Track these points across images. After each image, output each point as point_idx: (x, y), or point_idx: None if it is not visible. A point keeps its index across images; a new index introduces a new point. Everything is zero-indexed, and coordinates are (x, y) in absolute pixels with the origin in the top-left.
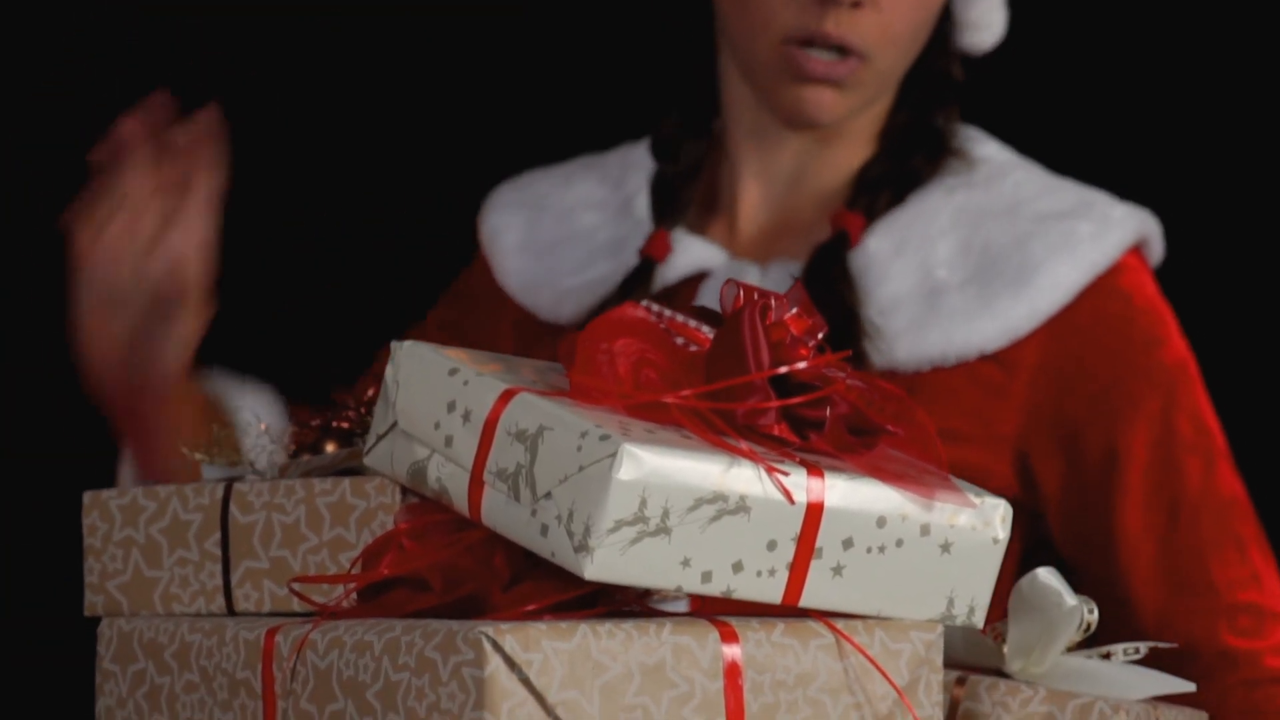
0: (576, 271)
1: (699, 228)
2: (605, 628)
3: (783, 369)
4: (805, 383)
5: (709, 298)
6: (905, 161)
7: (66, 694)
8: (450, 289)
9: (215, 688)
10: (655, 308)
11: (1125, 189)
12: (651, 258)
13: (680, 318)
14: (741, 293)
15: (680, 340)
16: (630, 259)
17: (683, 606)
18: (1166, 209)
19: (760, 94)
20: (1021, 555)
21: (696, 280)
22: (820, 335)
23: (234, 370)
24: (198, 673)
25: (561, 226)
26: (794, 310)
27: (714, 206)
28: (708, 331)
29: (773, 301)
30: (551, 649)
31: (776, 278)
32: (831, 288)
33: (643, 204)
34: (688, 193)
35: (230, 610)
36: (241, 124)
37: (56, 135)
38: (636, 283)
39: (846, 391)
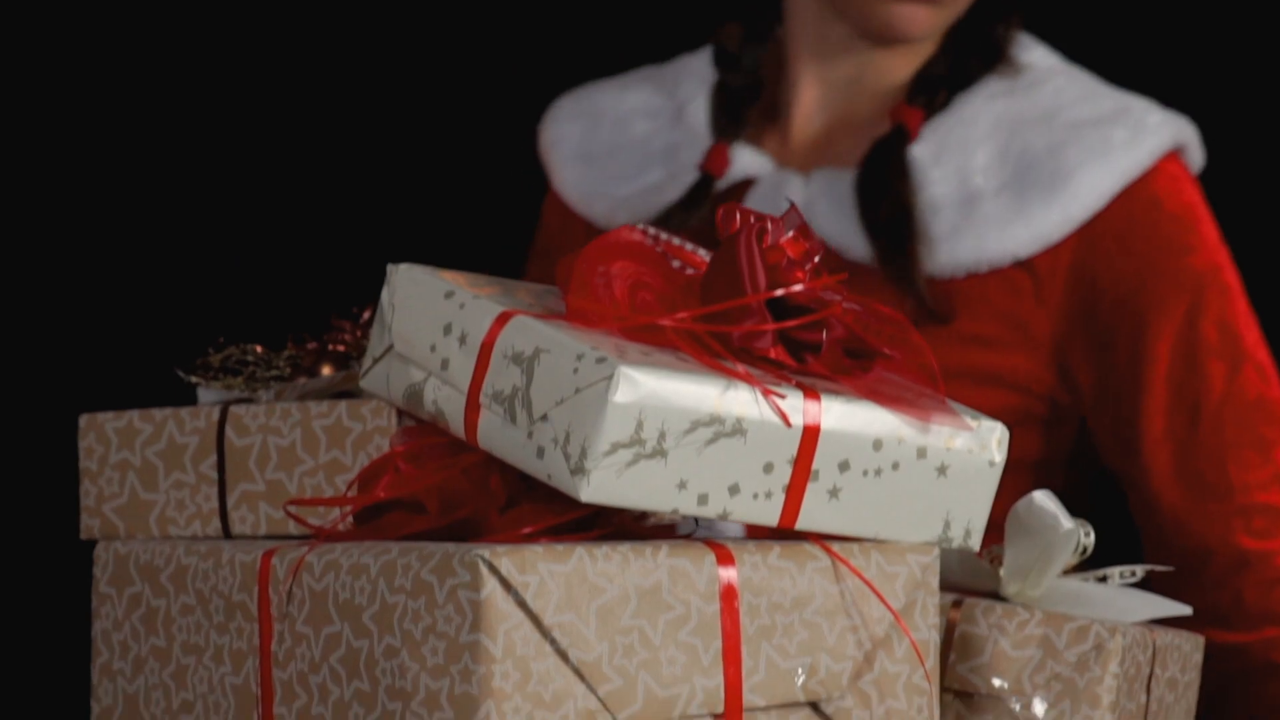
0: (630, 178)
1: (753, 137)
2: (602, 550)
3: (779, 292)
4: (801, 306)
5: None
6: (962, 64)
7: (63, 617)
8: (535, 241)
9: (211, 610)
10: (652, 231)
11: (1184, 98)
12: (710, 173)
13: (677, 241)
14: (739, 216)
15: (677, 263)
16: (682, 167)
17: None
18: (1230, 117)
19: (842, 6)
20: (1059, 462)
21: (743, 188)
22: (816, 259)
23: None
24: (194, 595)
25: (616, 134)
26: (790, 234)
27: (769, 115)
28: (704, 255)
29: (769, 225)
30: (548, 571)
31: (819, 187)
32: (887, 184)
33: (696, 111)
34: (748, 106)
35: (226, 533)
36: (262, 34)
37: None
38: (696, 199)
39: (843, 315)
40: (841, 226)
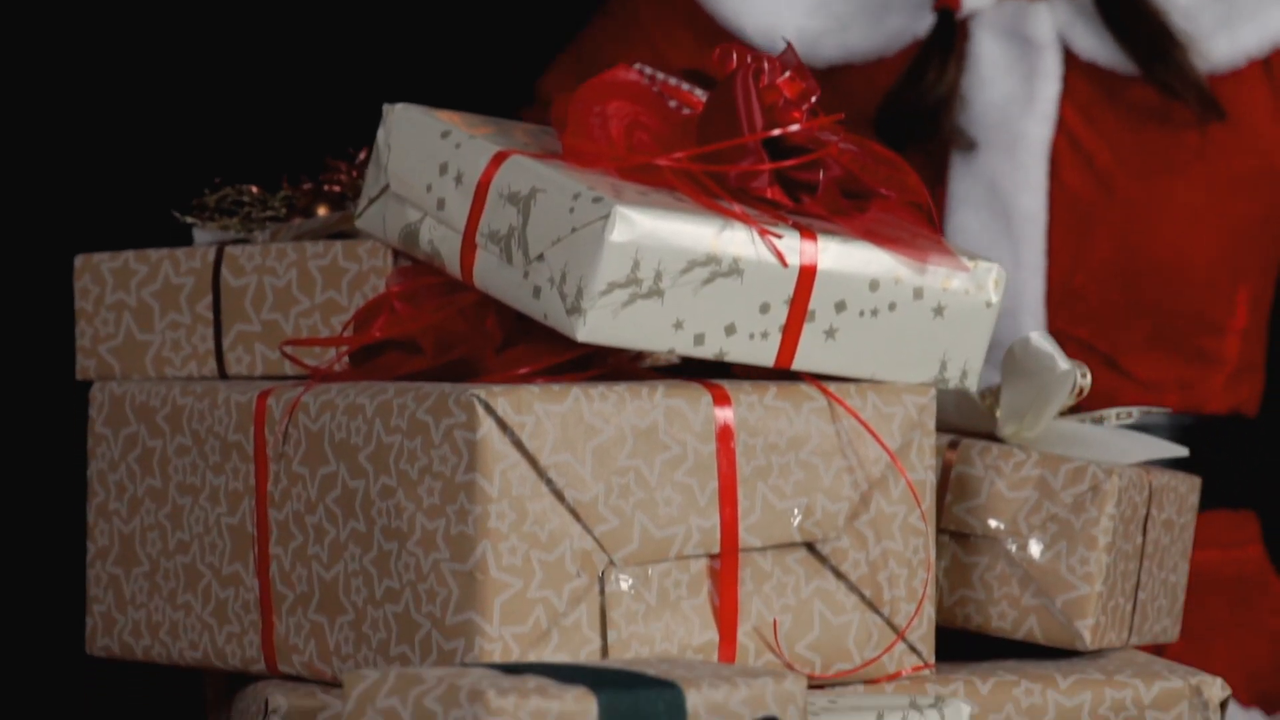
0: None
1: None
2: (598, 390)
3: (776, 131)
4: (798, 146)
5: (986, 35)
6: None
7: (59, 458)
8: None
9: (207, 451)
10: (648, 70)
11: None
12: (949, 8)
13: (673, 80)
14: (735, 55)
15: (673, 103)
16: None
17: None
18: None
19: None
20: None
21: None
22: (813, 99)
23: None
24: (190, 436)
25: None
26: (787, 74)
27: None
28: (700, 94)
29: (766, 64)
30: (544, 411)
31: (1070, 9)
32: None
33: None
34: None
35: (222, 374)
36: None
37: None
38: (940, 39)
39: (839, 155)
40: (1105, 45)
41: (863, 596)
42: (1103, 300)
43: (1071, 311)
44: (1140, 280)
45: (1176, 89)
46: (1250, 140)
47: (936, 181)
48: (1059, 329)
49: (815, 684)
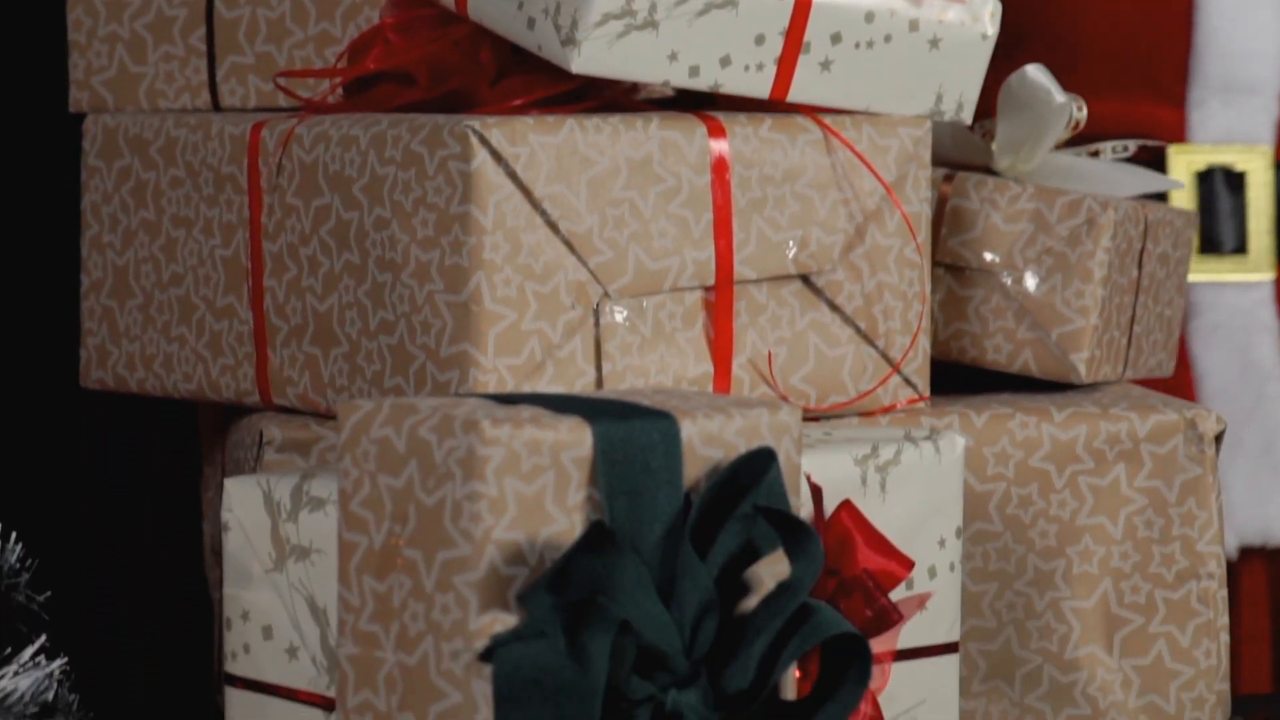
0: None
1: None
2: (592, 122)
3: None
4: None
5: None
6: None
7: (53, 191)
8: None
9: (201, 183)
10: None
11: None
12: None
13: None
14: None
15: None
16: None
17: None
18: None
19: None
20: None
21: None
22: None
23: None
24: (183, 168)
25: None
26: None
27: None
28: None
29: None
30: (538, 143)
31: None
32: None
33: None
34: None
35: (216, 106)
36: None
37: None
38: None
39: None
40: None
41: (858, 329)
42: None
43: None
44: None
45: None
46: None
47: None
48: None
49: (810, 416)
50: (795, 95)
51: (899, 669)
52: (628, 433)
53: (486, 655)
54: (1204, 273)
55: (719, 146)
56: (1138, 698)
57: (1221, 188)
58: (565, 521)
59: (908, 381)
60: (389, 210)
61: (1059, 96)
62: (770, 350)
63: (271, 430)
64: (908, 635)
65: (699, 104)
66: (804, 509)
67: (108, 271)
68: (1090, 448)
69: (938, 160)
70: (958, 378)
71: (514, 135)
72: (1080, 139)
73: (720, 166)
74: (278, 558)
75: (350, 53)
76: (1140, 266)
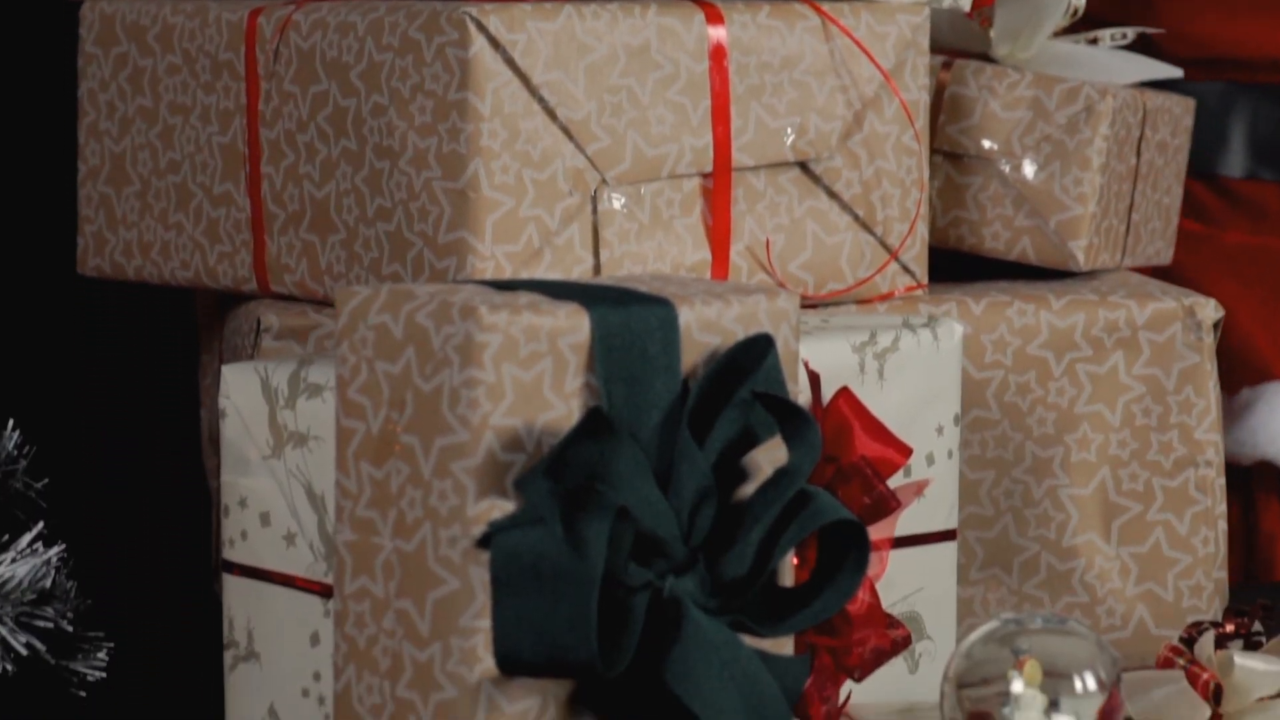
0: None
1: None
2: (590, 9)
3: None
4: None
5: None
6: None
7: (49, 79)
8: None
9: (198, 70)
10: None
11: None
12: None
13: None
14: None
15: None
16: None
17: None
18: None
19: None
20: None
21: None
22: None
23: None
24: (180, 55)
25: None
26: None
27: None
28: None
29: None
30: (536, 30)
31: None
32: None
33: None
34: None
35: None
36: None
37: None
38: None
39: None
40: None
41: (856, 216)
42: None
43: None
44: None
45: None
46: None
47: None
48: None
49: (808, 303)
50: None
51: (897, 556)
52: (625, 319)
53: (484, 542)
54: None
55: (717, 33)
56: (1135, 585)
57: None
58: (563, 408)
59: (906, 269)
60: (386, 97)
61: None
62: (768, 237)
63: (269, 317)
64: (905, 522)
65: None
66: (802, 396)
67: (105, 159)
68: (1088, 335)
69: (936, 47)
70: (956, 265)
71: (512, 22)
72: (1079, 26)
73: (718, 53)
74: (275, 444)
75: None
76: (1139, 154)
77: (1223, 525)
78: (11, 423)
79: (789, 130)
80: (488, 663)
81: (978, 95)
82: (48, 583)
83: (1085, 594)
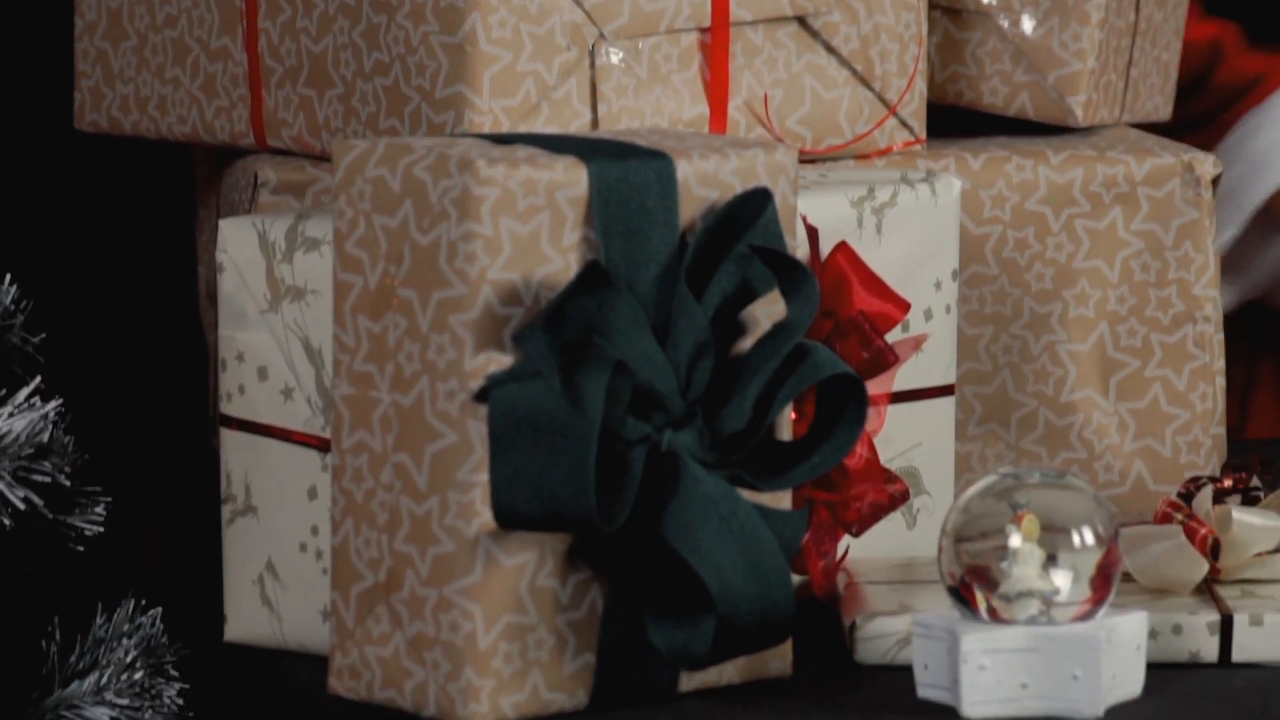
0: None
1: None
2: None
3: None
4: None
5: None
6: None
7: None
8: None
9: None
10: None
11: None
12: None
13: None
14: None
15: None
16: None
17: None
18: None
19: None
20: None
21: None
22: None
23: None
24: None
25: None
26: None
27: None
28: None
29: None
30: None
31: None
32: None
33: None
34: None
35: None
36: None
37: None
38: None
39: None
40: None
41: (854, 71)
42: None
43: None
44: None
45: None
46: None
47: None
48: None
49: (806, 158)
50: None
51: (895, 411)
52: (623, 172)
53: (482, 395)
54: None
55: None
56: (1133, 441)
57: None
58: (561, 261)
59: (904, 124)
60: None
61: None
62: (766, 92)
63: (266, 172)
64: (904, 377)
65: None
66: (800, 250)
67: (101, 13)
68: (1087, 191)
69: None
70: (954, 120)
71: None
72: None
73: None
74: (273, 298)
75: None
76: (1138, 9)
77: (1221, 381)
78: (9, 277)
79: None
80: (485, 516)
81: None
82: (45, 437)
83: (1083, 449)
